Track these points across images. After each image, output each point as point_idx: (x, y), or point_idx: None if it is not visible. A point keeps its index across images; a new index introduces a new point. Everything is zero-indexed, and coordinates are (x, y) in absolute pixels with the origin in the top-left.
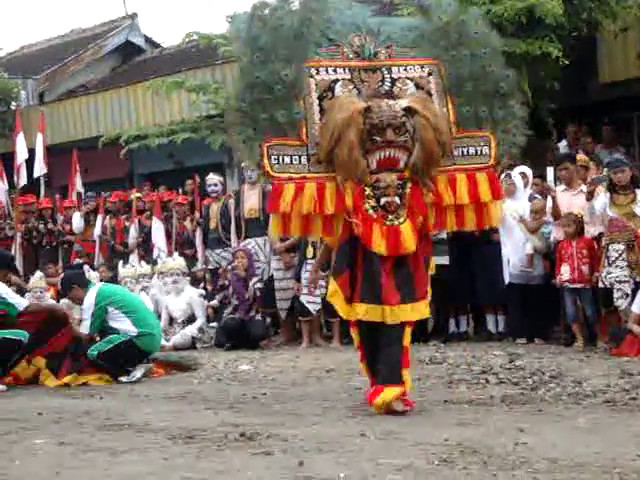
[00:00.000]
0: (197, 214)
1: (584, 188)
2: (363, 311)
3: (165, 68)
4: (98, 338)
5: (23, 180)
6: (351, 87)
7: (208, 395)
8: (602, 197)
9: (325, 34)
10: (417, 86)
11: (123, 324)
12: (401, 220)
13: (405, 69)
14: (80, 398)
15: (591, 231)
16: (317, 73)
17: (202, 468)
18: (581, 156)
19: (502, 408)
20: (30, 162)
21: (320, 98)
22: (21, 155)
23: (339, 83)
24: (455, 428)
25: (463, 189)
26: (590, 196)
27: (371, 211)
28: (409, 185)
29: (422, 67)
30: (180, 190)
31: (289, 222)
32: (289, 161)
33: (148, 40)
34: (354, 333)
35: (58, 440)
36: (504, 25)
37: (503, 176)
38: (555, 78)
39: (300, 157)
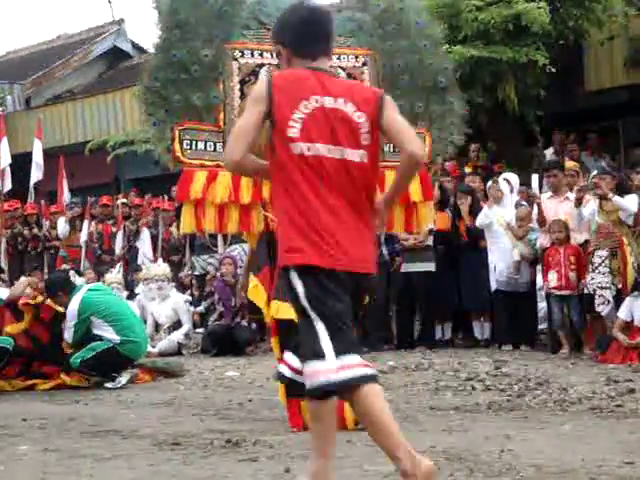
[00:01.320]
0: None
1: (570, 195)
2: (275, 309)
3: None
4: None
5: (8, 185)
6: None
7: (194, 401)
8: (591, 204)
9: (256, 16)
10: (349, 76)
11: (106, 332)
12: None
13: (338, 58)
14: (66, 404)
15: (577, 238)
16: (241, 56)
17: (188, 474)
18: (571, 162)
19: (488, 415)
20: (17, 167)
21: (242, 82)
22: (4, 160)
23: (264, 68)
24: (441, 435)
25: None
26: (578, 203)
27: None
28: None
29: (356, 57)
30: (166, 196)
31: (202, 215)
32: (203, 147)
33: (135, 46)
34: (274, 343)
35: (43, 446)
36: (491, 32)
37: (490, 182)
38: (541, 86)
39: (215, 144)
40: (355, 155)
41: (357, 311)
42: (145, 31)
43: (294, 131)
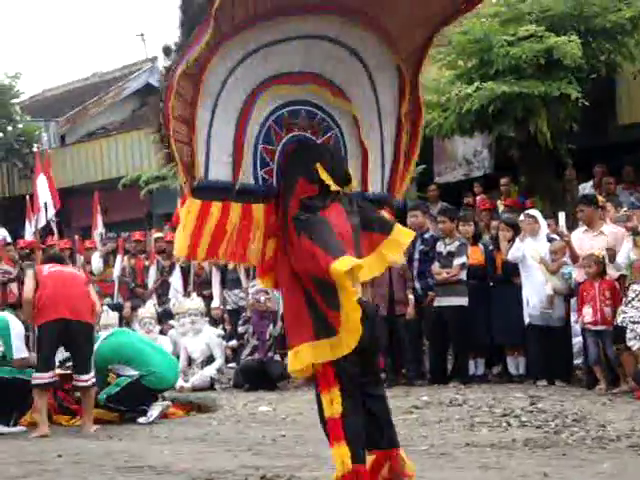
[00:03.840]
0: None
1: (605, 229)
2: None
3: None
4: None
5: (42, 221)
6: None
7: (227, 437)
8: (626, 245)
9: None
10: None
11: (125, 371)
12: None
13: None
14: (99, 439)
15: (612, 273)
16: None
17: None
18: (599, 197)
19: (525, 452)
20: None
21: None
22: (42, 197)
23: None
24: (477, 471)
25: None
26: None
27: None
28: None
29: None
30: None
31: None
32: None
33: None
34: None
35: None
36: (522, 67)
37: (522, 217)
38: (574, 119)
39: None
40: None
41: None
42: None
43: None
